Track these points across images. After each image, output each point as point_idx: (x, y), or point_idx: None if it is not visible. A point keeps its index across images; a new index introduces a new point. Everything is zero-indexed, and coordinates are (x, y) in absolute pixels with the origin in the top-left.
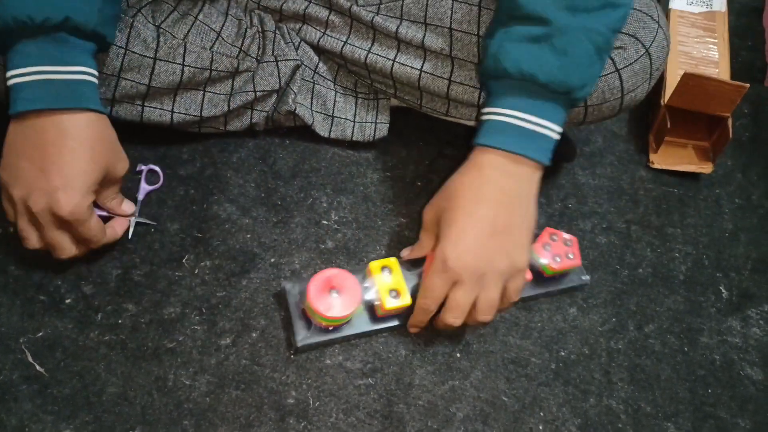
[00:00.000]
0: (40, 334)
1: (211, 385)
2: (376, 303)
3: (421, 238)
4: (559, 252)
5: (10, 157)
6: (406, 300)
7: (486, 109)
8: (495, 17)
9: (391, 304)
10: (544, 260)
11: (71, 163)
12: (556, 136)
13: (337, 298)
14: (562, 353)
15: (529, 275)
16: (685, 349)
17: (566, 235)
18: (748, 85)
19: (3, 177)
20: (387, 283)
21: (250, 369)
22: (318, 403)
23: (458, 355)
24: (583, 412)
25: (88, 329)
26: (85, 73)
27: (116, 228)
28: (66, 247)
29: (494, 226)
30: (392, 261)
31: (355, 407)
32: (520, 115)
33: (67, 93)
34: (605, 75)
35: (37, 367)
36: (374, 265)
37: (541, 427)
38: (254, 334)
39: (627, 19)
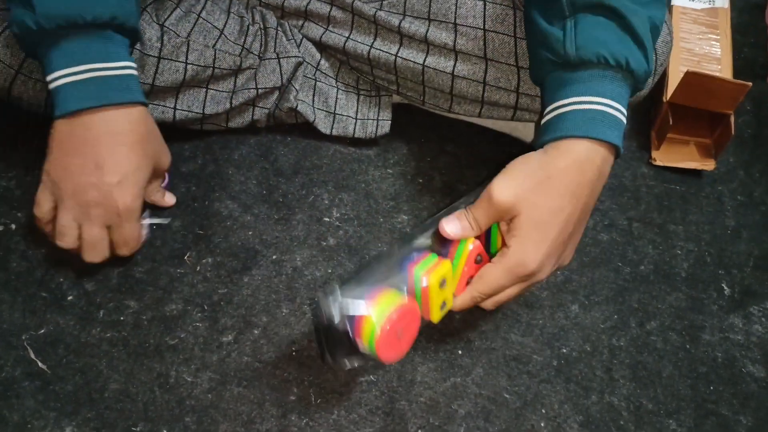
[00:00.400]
0: (42, 330)
1: (213, 381)
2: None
3: (481, 217)
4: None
5: (59, 154)
6: (449, 305)
7: (567, 100)
8: (544, 7)
9: (440, 316)
10: None
11: (126, 158)
12: (626, 125)
13: (402, 339)
14: (564, 350)
15: None
16: (687, 346)
17: None
18: (750, 83)
19: (52, 173)
20: (442, 297)
21: (252, 366)
22: (320, 399)
23: (460, 352)
24: (585, 409)
25: (90, 326)
26: (129, 67)
27: (143, 233)
28: (102, 248)
29: (576, 230)
30: (447, 267)
31: (356, 404)
32: (609, 102)
33: (117, 88)
34: None
35: (39, 364)
36: (432, 279)
37: (542, 424)
38: (256, 331)
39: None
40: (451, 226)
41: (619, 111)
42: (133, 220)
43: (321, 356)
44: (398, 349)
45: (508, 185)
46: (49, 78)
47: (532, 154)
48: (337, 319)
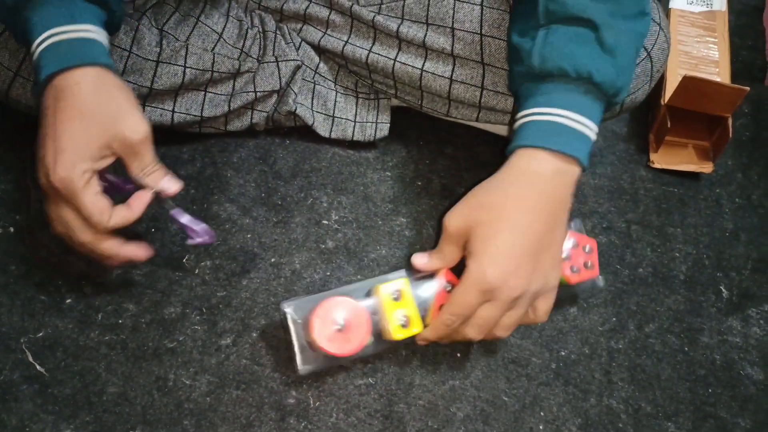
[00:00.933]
0: (41, 334)
1: (212, 384)
2: (385, 329)
3: (442, 249)
4: (577, 262)
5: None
6: (418, 327)
7: (528, 110)
8: (524, 20)
9: (400, 335)
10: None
11: (63, 125)
12: (594, 139)
13: (344, 332)
14: (563, 353)
15: None
16: (686, 348)
17: (586, 240)
18: (748, 88)
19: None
20: (396, 310)
21: (251, 369)
22: (318, 403)
23: (458, 355)
24: (584, 412)
25: (89, 329)
26: (90, 31)
27: (133, 206)
28: (73, 227)
29: (540, 242)
30: (403, 282)
31: (355, 407)
32: (570, 115)
33: (69, 51)
34: None
35: (38, 367)
36: (383, 289)
37: (541, 427)
38: (255, 334)
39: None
40: (418, 258)
41: (580, 123)
42: (75, 195)
43: (292, 366)
44: (345, 342)
45: (459, 212)
46: (31, 57)
47: (485, 180)
48: (292, 323)
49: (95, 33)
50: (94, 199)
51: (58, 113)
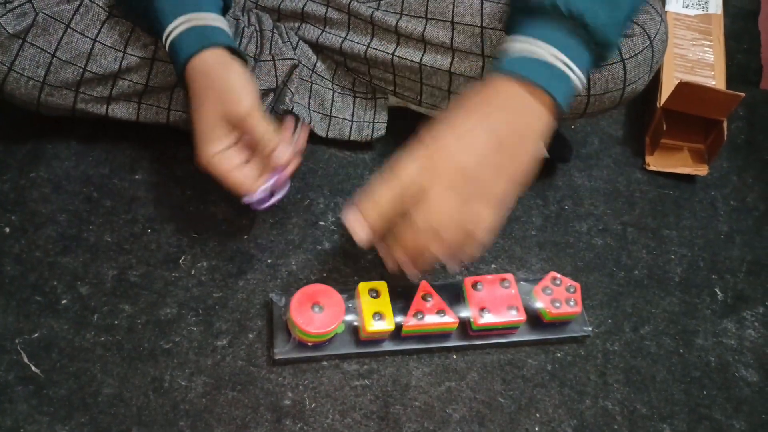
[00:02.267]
0: (36, 334)
1: (208, 386)
2: (358, 324)
3: (380, 189)
4: (559, 297)
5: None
6: (390, 324)
7: (513, 37)
8: None
9: (373, 327)
10: (540, 304)
11: (197, 112)
12: (579, 87)
13: (319, 313)
14: (558, 354)
15: (522, 316)
16: (681, 350)
17: (570, 281)
18: (743, 94)
19: None
20: (372, 306)
21: (247, 370)
22: (314, 404)
23: (454, 356)
24: (579, 414)
25: (84, 330)
26: (213, 19)
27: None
28: (240, 179)
29: (501, 140)
30: (381, 284)
31: (351, 408)
32: (553, 51)
33: (202, 35)
34: (610, 64)
35: (33, 368)
36: (362, 286)
37: (537, 429)
38: (251, 335)
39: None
40: (350, 215)
41: (561, 62)
42: (219, 174)
43: (270, 356)
44: (317, 323)
45: (414, 157)
46: (163, 42)
47: None
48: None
49: (217, 20)
50: (229, 173)
51: (195, 98)
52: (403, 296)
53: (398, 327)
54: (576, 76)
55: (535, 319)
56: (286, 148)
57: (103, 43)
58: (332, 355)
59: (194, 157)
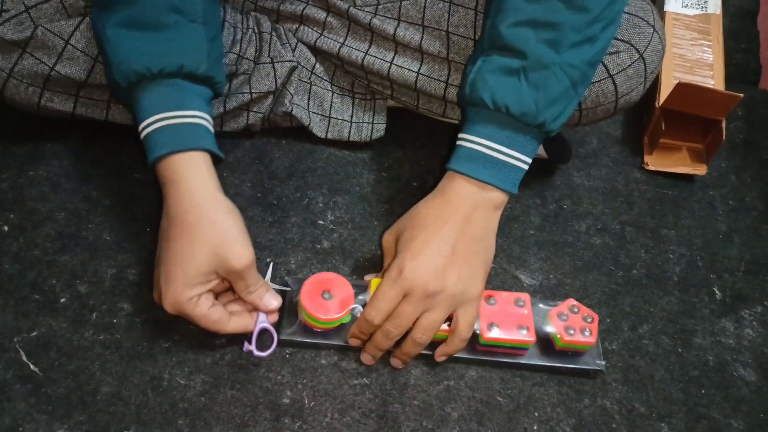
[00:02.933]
0: (35, 333)
1: (207, 384)
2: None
3: (384, 265)
4: (574, 325)
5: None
6: None
7: (460, 134)
8: (479, 44)
9: None
10: (553, 329)
11: (173, 246)
12: (526, 167)
13: (328, 301)
14: None
15: (532, 337)
16: (679, 349)
17: (588, 311)
18: (741, 95)
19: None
20: None
21: (246, 368)
22: (313, 402)
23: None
24: (578, 413)
25: (83, 328)
26: (199, 117)
27: (248, 320)
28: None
29: (454, 249)
30: None
31: (350, 407)
32: (491, 145)
33: (177, 136)
34: (598, 81)
35: (32, 367)
36: (376, 280)
37: (535, 427)
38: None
39: (605, 51)
40: (370, 276)
41: (501, 153)
42: (191, 316)
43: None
44: (325, 309)
45: (391, 229)
46: (139, 131)
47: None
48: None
49: (200, 118)
50: (207, 315)
51: (171, 227)
52: None
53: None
54: (522, 161)
55: (546, 344)
56: (273, 295)
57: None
58: (336, 345)
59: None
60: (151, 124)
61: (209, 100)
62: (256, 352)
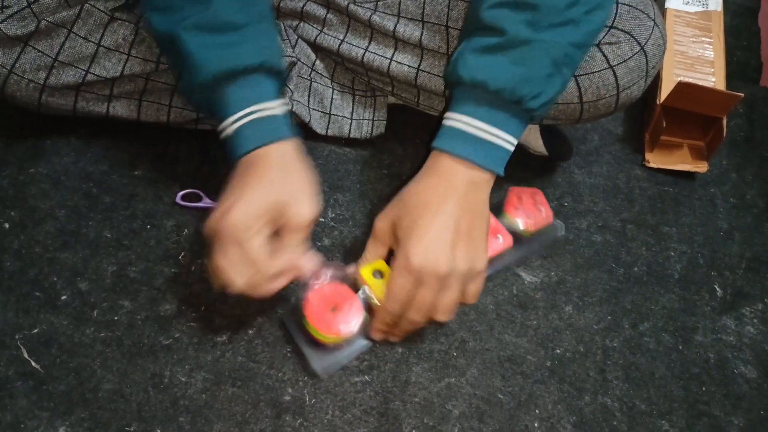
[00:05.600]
0: (36, 330)
1: (207, 382)
2: (376, 303)
3: (368, 248)
4: (530, 210)
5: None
6: None
7: (446, 114)
8: (463, 27)
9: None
10: (519, 221)
11: (247, 188)
12: (511, 147)
13: (336, 315)
14: (558, 351)
15: (509, 240)
16: (680, 347)
17: (529, 190)
18: (742, 94)
19: None
20: (382, 288)
21: (247, 366)
22: (314, 400)
23: (454, 353)
24: (578, 410)
25: (84, 326)
26: (275, 108)
27: (295, 266)
28: (234, 274)
29: (457, 228)
30: (382, 263)
31: (351, 404)
32: (471, 122)
33: (267, 128)
34: (598, 71)
35: (33, 364)
36: (365, 271)
37: (536, 425)
38: (251, 331)
39: (596, 36)
40: (349, 269)
41: (485, 131)
42: (244, 242)
43: (308, 372)
44: (344, 323)
45: (386, 213)
46: (220, 129)
47: (412, 181)
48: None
49: (279, 108)
50: (262, 247)
51: (247, 179)
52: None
53: None
54: (506, 140)
55: (516, 239)
56: (311, 257)
57: (106, 47)
58: (367, 345)
59: (212, 218)
60: (240, 119)
61: (278, 89)
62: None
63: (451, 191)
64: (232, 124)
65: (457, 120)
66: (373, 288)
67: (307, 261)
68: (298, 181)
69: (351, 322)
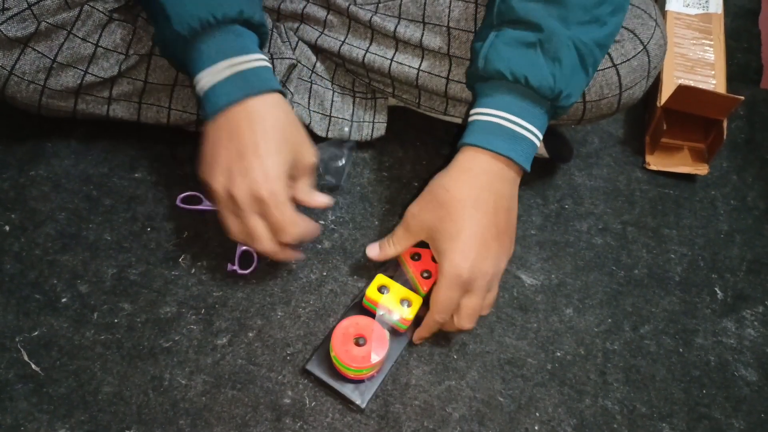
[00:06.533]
0: (36, 333)
1: (207, 384)
2: (397, 320)
3: (398, 236)
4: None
5: (207, 154)
6: (418, 302)
7: (474, 110)
8: (485, 21)
9: (410, 314)
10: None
11: (265, 142)
12: (538, 143)
13: (366, 344)
14: (558, 354)
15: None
16: (680, 349)
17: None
18: (742, 97)
19: (204, 174)
20: (393, 300)
21: (247, 369)
22: (314, 403)
23: (455, 355)
24: (579, 413)
25: (84, 328)
26: (261, 59)
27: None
28: (263, 235)
29: (497, 228)
30: (382, 278)
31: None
32: (508, 117)
33: (255, 79)
34: (602, 69)
35: (33, 366)
36: (371, 291)
37: (536, 428)
38: (250, 334)
39: (614, 37)
40: (371, 249)
41: (519, 125)
42: (280, 205)
43: (352, 409)
44: (374, 353)
45: (423, 207)
46: (195, 81)
47: (439, 174)
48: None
49: (264, 60)
50: (291, 211)
51: (258, 133)
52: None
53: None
54: (535, 135)
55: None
56: (323, 194)
57: (105, 48)
58: (393, 364)
59: (259, 179)
60: (216, 73)
61: (259, 45)
62: (240, 271)
63: (484, 191)
64: (214, 74)
65: (490, 114)
66: (388, 304)
67: (321, 199)
68: (297, 129)
69: (379, 349)
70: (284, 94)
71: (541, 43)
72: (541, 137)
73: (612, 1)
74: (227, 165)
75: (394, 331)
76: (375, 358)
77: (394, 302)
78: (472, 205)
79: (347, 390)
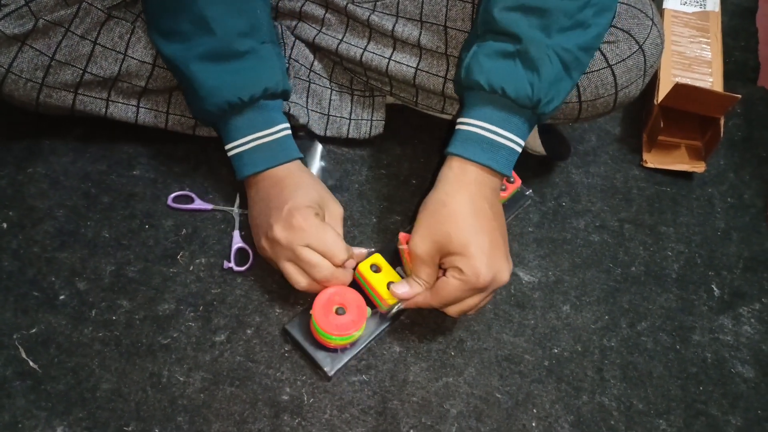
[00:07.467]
0: (34, 330)
1: (206, 381)
2: (378, 298)
3: (420, 274)
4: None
5: (251, 215)
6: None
7: (459, 118)
8: (472, 30)
9: (391, 299)
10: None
11: (289, 193)
12: (519, 149)
13: (346, 314)
14: (555, 350)
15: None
16: (677, 346)
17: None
18: (739, 96)
19: (252, 232)
20: (382, 280)
21: (245, 365)
22: (312, 399)
23: (452, 352)
24: (576, 409)
25: (82, 325)
26: (284, 129)
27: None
28: (321, 263)
29: (501, 232)
30: (378, 258)
31: (349, 404)
32: (488, 127)
33: (279, 151)
34: (597, 70)
35: (31, 363)
36: (363, 267)
37: (534, 424)
38: (249, 331)
39: (602, 38)
40: (399, 288)
41: (498, 135)
42: (317, 231)
43: (320, 376)
44: (351, 323)
45: (423, 235)
46: (226, 148)
47: (430, 193)
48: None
49: (287, 130)
50: (335, 237)
51: (284, 190)
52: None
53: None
54: (516, 143)
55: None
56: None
57: (103, 46)
58: (370, 341)
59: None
60: (244, 144)
61: (281, 107)
62: (236, 268)
63: (479, 201)
64: (239, 146)
65: (473, 125)
66: (375, 283)
67: (356, 248)
68: (321, 186)
69: (358, 321)
70: (305, 162)
71: (519, 54)
72: (522, 143)
73: (596, 3)
74: (264, 217)
75: (378, 313)
76: (353, 329)
77: (381, 284)
78: (473, 215)
79: (319, 356)
